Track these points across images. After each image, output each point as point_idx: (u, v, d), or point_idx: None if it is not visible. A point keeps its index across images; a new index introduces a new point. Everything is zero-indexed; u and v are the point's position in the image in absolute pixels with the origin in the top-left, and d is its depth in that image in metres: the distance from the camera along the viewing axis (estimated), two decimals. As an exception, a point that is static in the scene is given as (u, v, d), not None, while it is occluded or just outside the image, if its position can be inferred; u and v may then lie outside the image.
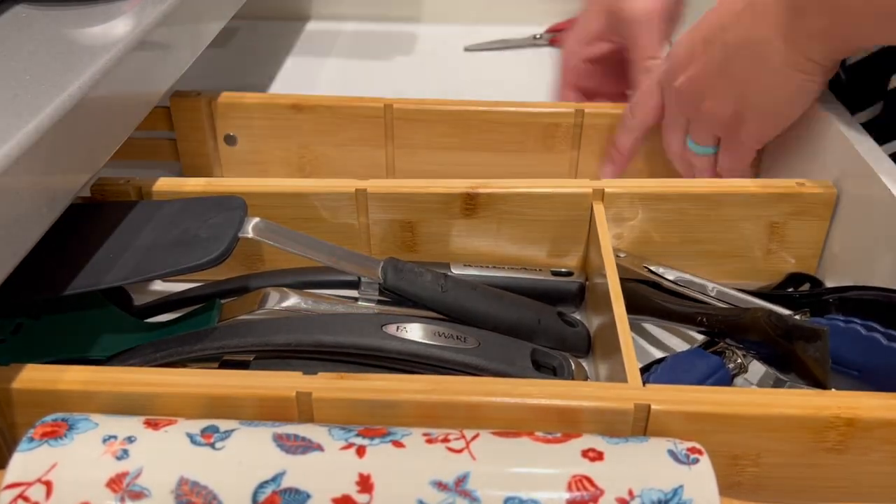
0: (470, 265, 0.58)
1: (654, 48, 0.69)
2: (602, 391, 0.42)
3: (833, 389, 0.43)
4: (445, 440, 0.37)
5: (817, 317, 0.50)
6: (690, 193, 0.57)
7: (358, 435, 0.37)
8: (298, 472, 0.35)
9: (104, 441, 0.36)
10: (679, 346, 0.57)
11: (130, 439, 0.37)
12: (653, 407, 0.40)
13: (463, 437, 0.37)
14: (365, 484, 0.35)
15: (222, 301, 0.53)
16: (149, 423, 0.38)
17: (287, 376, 0.42)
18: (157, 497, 0.35)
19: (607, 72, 0.76)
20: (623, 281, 0.50)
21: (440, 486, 0.35)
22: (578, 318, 0.57)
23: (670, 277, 0.56)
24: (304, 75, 0.94)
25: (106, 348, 0.48)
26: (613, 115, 0.68)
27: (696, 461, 0.36)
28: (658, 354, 0.56)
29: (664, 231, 0.59)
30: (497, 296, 0.53)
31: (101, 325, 0.50)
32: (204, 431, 0.37)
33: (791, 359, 0.45)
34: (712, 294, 0.54)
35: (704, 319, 0.51)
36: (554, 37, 1.02)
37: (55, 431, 0.37)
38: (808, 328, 0.44)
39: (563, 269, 0.59)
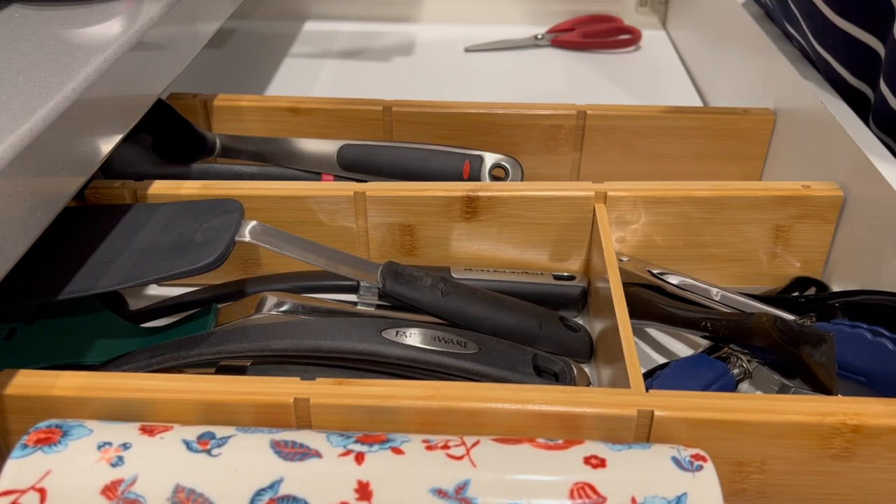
0: (470, 269, 0.58)
1: None
2: (604, 397, 0.41)
3: (839, 395, 0.43)
4: (445, 447, 0.37)
5: (823, 321, 0.49)
6: (694, 196, 0.57)
7: (356, 441, 0.37)
8: (296, 479, 0.35)
9: (99, 448, 0.36)
10: (683, 351, 0.57)
11: (125, 446, 0.36)
12: (656, 413, 0.40)
13: (463, 443, 0.37)
14: (364, 491, 0.35)
15: (219, 306, 0.53)
16: (144, 430, 0.38)
17: (285, 382, 0.42)
18: (153, 505, 0.34)
19: None
20: (626, 285, 0.50)
21: (440, 493, 0.35)
22: (580, 322, 0.57)
23: (674, 282, 0.55)
24: (301, 77, 0.94)
25: (101, 353, 0.48)
26: (616, 116, 0.68)
27: (700, 468, 0.36)
28: (661, 360, 0.56)
29: (668, 234, 0.58)
30: (498, 300, 0.53)
31: (96, 330, 0.50)
32: (200, 438, 0.37)
33: (797, 364, 0.45)
34: (716, 298, 0.54)
35: (708, 324, 0.51)
36: (555, 37, 1.02)
37: (49, 438, 0.37)
38: (813, 333, 0.44)
39: (564, 273, 0.59)
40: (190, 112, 0.69)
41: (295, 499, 0.34)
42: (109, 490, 0.35)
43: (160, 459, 0.36)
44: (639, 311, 0.54)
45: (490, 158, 0.63)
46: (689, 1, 1.00)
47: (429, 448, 0.37)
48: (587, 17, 1.05)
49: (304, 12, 1.10)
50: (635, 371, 0.43)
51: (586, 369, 0.53)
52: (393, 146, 0.65)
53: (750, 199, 0.57)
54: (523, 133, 0.69)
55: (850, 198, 0.56)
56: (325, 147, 0.65)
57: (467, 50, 1.00)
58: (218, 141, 0.67)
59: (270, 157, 0.66)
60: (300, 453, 0.36)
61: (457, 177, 0.63)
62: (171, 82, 0.57)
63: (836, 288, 0.58)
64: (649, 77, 0.96)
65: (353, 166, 0.64)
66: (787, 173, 0.66)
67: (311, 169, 0.66)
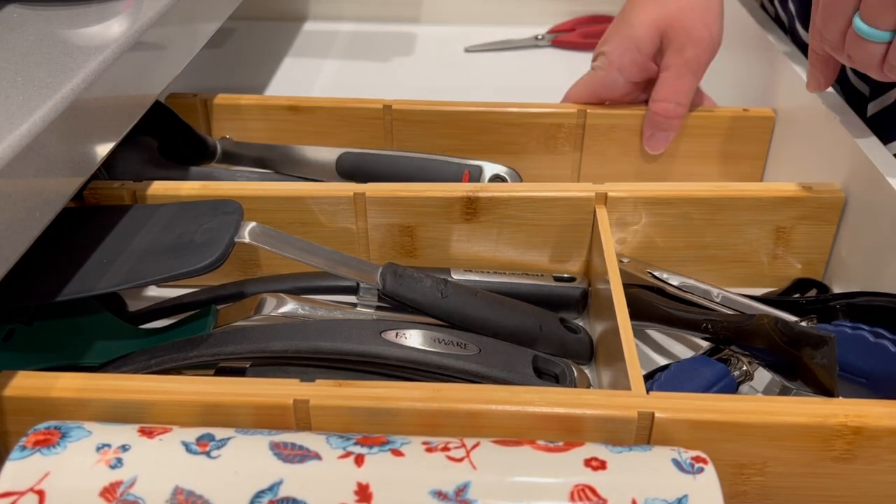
0: (470, 270, 0.58)
1: None
2: (605, 399, 0.41)
3: (840, 397, 0.43)
4: (445, 449, 0.37)
5: (824, 323, 0.49)
6: (694, 197, 0.57)
7: (356, 443, 0.37)
8: (296, 481, 0.35)
9: (98, 449, 0.36)
10: (683, 352, 0.57)
11: (125, 448, 0.36)
12: (657, 415, 0.40)
13: (463, 445, 0.37)
14: (363, 493, 0.35)
15: (218, 307, 0.53)
16: (143, 431, 0.37)
17: (284, 384, 0.42)
18: (152, 507, 0.34)
19: None
20: (626, 286, 0.50)
21: (440, 495, 0.34)
22: (581, 324, 0.56)
23: (674, 283, 0.55)
24: (301, 76, 0.94)
25: (99, 355, 0.48)
26: (616, 115, 0.68)
27: (701, 470, 0.36)
28: (662, 361, 0.56)
29: (668, 236, 0.58)
30: (498, 301, 0.53)
31: (95, 331, 0.50)
32: (199, 440, 0.37)
33: (798, 366, 0.45)
34: (717, 300, 0.54)
35: (709, 326, 0.51)
36: (556, 37, 1.01)
37: (48, 440, 0.36)
38: (815, 335, 0.44)
39: (565, 275, 0.59)
40: (190, 111, 0.69)
41: (294, 500, 0.34)
42: (108, 492, 0.34)
43: (159, 461, 0.36)
44: (639, 312, 0.54)
45: (489, 169, 0.63)
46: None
47: (429, 450, 0.37)
48: (587, 17, 1.05)
49: (304, 12, 1.10)
50: (636, 373, 0.43)
51: (587, 371, 0.52)
52: (391, 155, 0.65)
53: (751, 200, 0.57)
54: (523, 133, 0.69)
55: (852, 199, 0.56)
56: (324, 155, 0.66)
57: (467, 50, 1.00)
58: (219, 146, 0.67)
59: (270, 164, 0.66)
60: (300, 455, 0.36)
61: (455, 186, 0.63)
62: (171, 82, 0.57)
63: (837, 289, 0.58)
64: (649, 77, 0.95)
65: (352, 174, 0.65)
66: (787, 174, 0.66)
67: (310, 177, 0.66)
